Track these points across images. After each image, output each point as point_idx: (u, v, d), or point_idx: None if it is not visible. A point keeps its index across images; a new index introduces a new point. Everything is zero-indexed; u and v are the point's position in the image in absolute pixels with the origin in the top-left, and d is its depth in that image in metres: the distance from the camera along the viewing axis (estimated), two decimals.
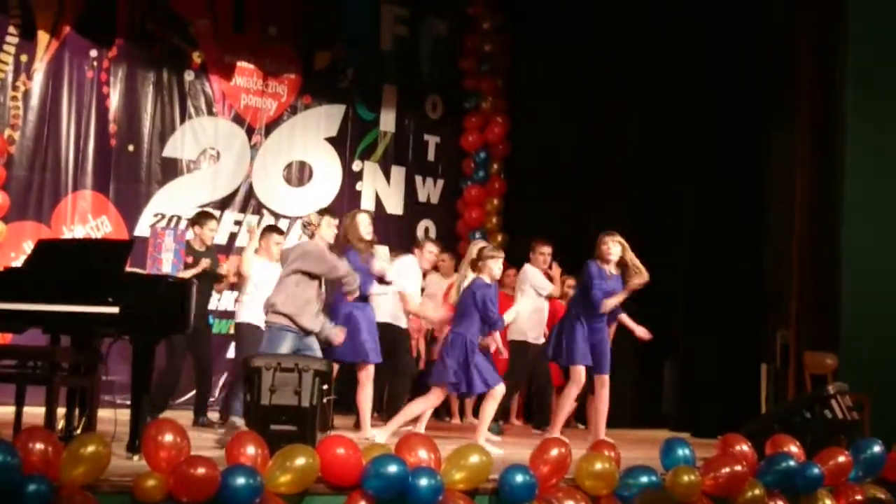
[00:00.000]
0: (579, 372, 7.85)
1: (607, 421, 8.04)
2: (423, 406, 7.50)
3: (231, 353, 10.43)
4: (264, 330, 7.23)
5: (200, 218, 8.76)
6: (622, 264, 7.94)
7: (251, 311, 8.23)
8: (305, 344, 7.02)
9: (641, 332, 8.21)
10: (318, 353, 7.02)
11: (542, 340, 9.01)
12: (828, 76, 9.09)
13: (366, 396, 7.90)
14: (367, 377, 7.87)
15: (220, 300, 10.17)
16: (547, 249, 9.33)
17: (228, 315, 10.04)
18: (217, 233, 9.34)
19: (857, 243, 8.55)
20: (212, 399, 9.43)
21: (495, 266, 7.58)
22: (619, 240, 7.98)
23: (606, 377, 7.97)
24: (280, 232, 9.06)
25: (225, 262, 9.23)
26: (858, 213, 8.58)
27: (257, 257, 8.53)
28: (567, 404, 8.08)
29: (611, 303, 7.84)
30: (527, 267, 9.25)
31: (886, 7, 8.74)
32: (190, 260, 8.32)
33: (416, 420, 7.54)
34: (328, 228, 7.45)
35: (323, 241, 7.37)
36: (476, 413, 8.59)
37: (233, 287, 9.23)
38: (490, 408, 7.48)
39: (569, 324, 7.95)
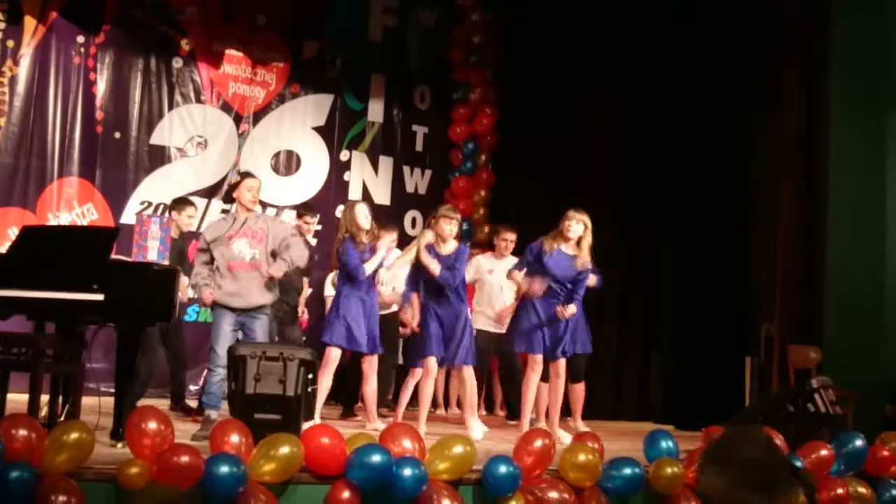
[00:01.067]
0: (534, 359, 7.55)
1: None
2: (425, 385, 7.47)
3: None
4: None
5: (178, 204, 8.70)
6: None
7: None
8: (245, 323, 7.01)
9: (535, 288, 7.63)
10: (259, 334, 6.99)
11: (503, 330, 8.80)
12: (813, 73, 9.12)
13: (372, 388, 7.87)
14: (371, 369, 7.85)
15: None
16: (511, 236, 9.16)
17: None
18: (196, 219, 9.26)
19: (841, 237, 8.57)
20: (195, 388, 9.42)
21: (446, 226, 7.52)
22: (585, 219, 7.70)
23: (560, 363, 7.60)
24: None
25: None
26: (843, 206, 8.61)
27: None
28: (528, 393, 7.61)
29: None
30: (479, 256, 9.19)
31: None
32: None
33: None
34: (247, 192, 7.28)
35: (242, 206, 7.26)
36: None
37: None
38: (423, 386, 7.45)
39: (519, 310, 7.75)
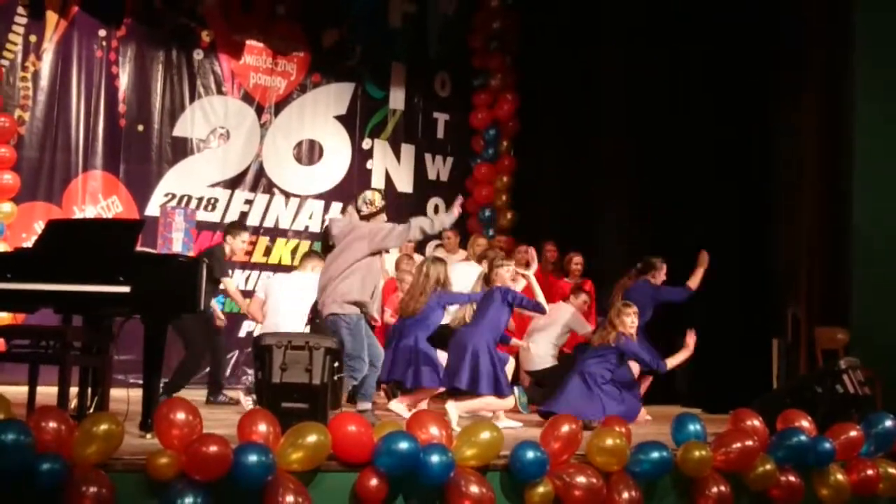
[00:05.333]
0: None
1: None
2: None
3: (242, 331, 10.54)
4: (340, 323, 7.02)
5: (233, 228, 8.76)
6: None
7: None
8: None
9: None
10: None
11: None
12: (837, 51, 9.04)
13: None
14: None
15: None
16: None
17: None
18: (247, 244, 9.39)
19: (867, 218, 8.51)
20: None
21: (506, 274, 7.54)
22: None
23: None
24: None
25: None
26: (869, 187, 8.55)
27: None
28: None
29: None
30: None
31: None
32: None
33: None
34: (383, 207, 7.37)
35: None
36: None
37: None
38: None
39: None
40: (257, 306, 8.65)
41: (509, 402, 7.38)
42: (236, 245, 8.59)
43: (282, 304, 8.27)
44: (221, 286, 8.45)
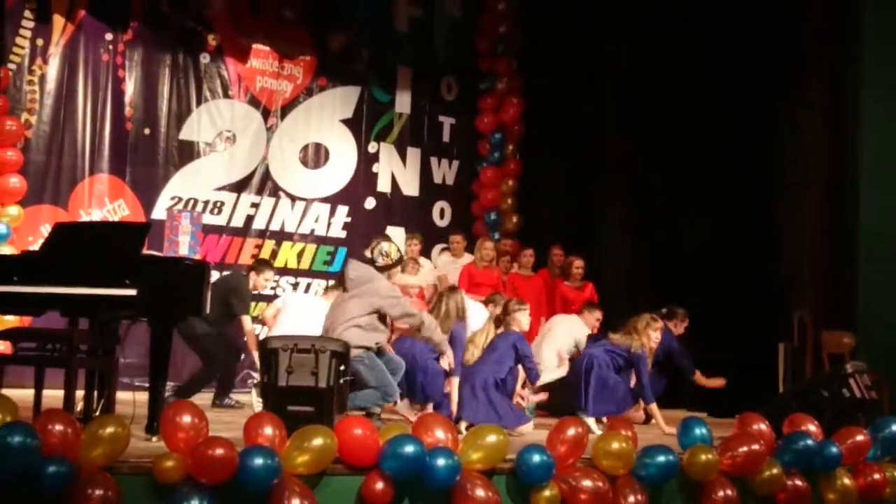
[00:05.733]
0: None
1: None
2: None
3: None
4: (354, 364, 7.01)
5: (260, 265, 8.95)
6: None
7: None
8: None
9: None
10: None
11: None
12: (840, 50, 9.03)
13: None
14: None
15: None
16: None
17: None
18: (272, 282, 9.45)
19: (873, 221, 8.50)
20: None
21: (523, 319, 7.54)
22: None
23: None
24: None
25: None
26: (875, 190, 8.53)
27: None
28: None
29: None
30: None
31: None
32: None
33: None
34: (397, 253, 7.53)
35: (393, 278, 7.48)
36: None
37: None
38: None
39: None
40: (271, 313, 8.82)
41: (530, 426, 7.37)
42: (260, 282, 8.80)
43: (293, 321, 8.34)
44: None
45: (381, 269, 7.38)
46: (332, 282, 10.17)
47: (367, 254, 7.81)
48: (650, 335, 7.70)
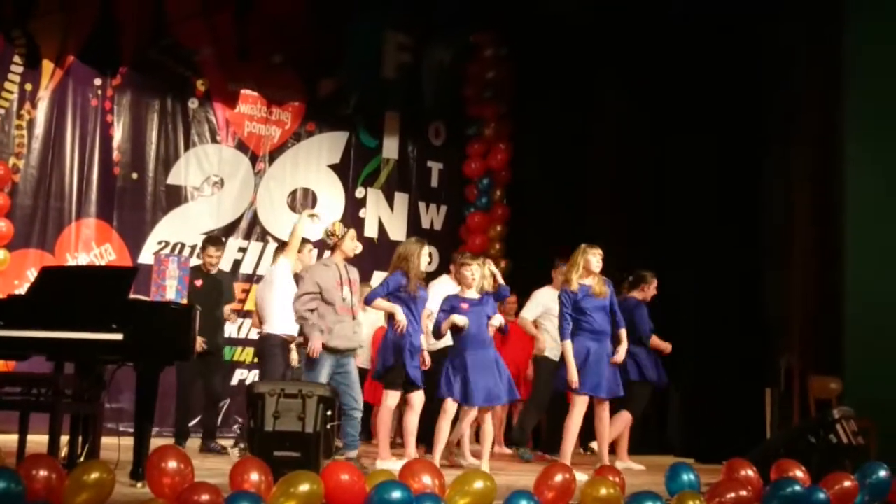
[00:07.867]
0: (576, 398, 7.78)
1: (610, 447, 8.02)
2: (445, 423, 7.47)
3: (234, 379, 10.50)
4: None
5: (204, 243, 9.08)
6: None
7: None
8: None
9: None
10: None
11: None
12: (827, 95, 9.12)
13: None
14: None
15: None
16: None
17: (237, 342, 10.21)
18: (219, 259, 9.27)
19: (860, 266, 8.55)
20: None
21: (467, 273, 7.72)
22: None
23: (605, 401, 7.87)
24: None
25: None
26: (861, 235, 8.59)
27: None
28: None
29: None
30: None
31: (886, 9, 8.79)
32: (198, 283, 8.52)
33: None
34: (351, 242, 7.73)
35: (343, 254, 7.66)
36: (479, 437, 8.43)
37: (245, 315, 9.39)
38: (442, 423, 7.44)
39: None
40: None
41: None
42: (204, 259, 8.90)
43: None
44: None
45: (333, 249, 7.73)
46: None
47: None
48: (589, 260, 7.80)
